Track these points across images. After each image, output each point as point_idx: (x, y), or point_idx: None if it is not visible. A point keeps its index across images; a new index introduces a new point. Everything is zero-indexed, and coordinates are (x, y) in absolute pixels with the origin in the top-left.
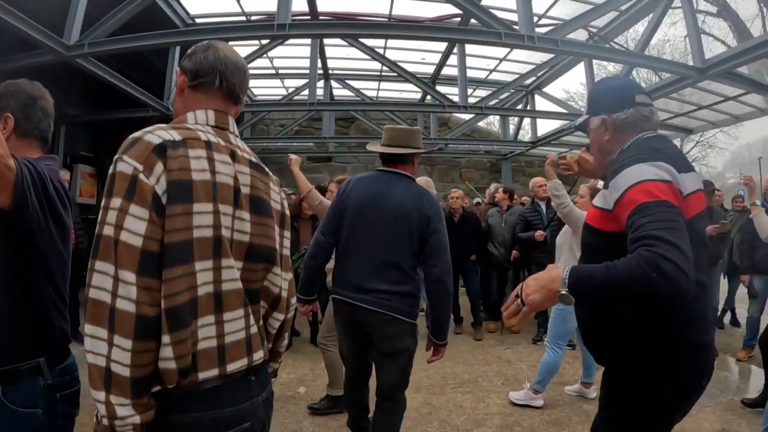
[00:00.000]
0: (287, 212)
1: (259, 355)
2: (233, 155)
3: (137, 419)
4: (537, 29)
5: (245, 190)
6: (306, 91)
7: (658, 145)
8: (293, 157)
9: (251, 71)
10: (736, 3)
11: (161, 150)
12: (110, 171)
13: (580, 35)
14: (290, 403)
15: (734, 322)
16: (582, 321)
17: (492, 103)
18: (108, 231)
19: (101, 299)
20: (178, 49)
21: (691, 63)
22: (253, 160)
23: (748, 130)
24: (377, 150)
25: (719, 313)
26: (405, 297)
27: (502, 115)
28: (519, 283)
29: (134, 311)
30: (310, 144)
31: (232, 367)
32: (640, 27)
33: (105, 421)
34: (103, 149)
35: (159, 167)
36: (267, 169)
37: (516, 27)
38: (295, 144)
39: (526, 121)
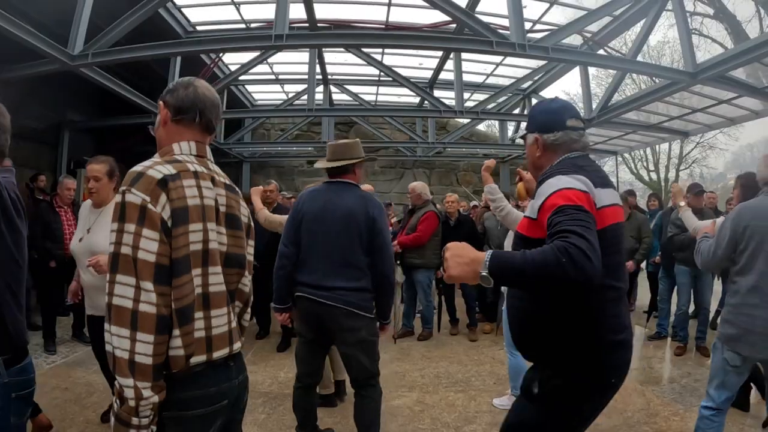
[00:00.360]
0: (252, 224)
1: (237, 345)
2: (213, 180)
3: (156, 399)
4: (532, 34)
5: (222, 209)
6: (305, 96)
7: (581, 163)
8: (253, 189)
9: (251, 77)
10: (733, 4)
11: (163, 183)
12: (119, 200)
13: (574, 39)
14: (288, 400)
15: None
16: (511, 320)
17: (489, 106)
18: (126, 250)
19: (123, 305)
20: (179, 57)
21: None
22: (227, 182)
23: (749, 130)
24: (322, 166)
25: (713, 314)
26: (361, 292)
27: (498, 119)
28: None
29: (155, 312)
30: (309, 148)
31: (217, 354)
32: (638, 28)
33: (132, 402)
34: (106, 154)
35: (163, 198)
36: (237, 189)
37: (507, 32)
38: (294, 148)
39: (524, 124)
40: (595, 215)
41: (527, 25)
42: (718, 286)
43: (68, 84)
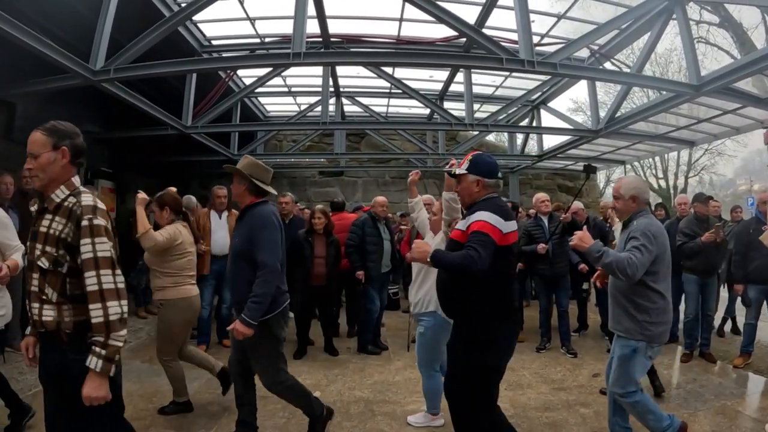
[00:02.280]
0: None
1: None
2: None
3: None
4: (540, 48)
5: (109, 225)
6: (318, 108)
7: (499, 203)
8: (139, 196)
9: (266, 90)
10: (739, 12)
11: (106, 212)
12: (89, 224)
13: (582, 51)
14: None
15: (735, 330)
16: (440, 293)
17: (499, 118)
18: (106, 254)
19: (111, 287)
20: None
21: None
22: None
23: (758, 137)
24: (272, 190)
25: (720, 321)
26: None
27: (507, 132)
28: (523, 292)
29: (124, 287)
30: (322, 159)
31: None
32: (645, 38)
33: (119, 344)
34: (122, 165)
35: (108, 222)
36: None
37: (515, 46)
38: (307, 159)
39: (533, 134)
40: (500, 238)
41: (534, 39)
42: (723, 293)
43: (85, 97)
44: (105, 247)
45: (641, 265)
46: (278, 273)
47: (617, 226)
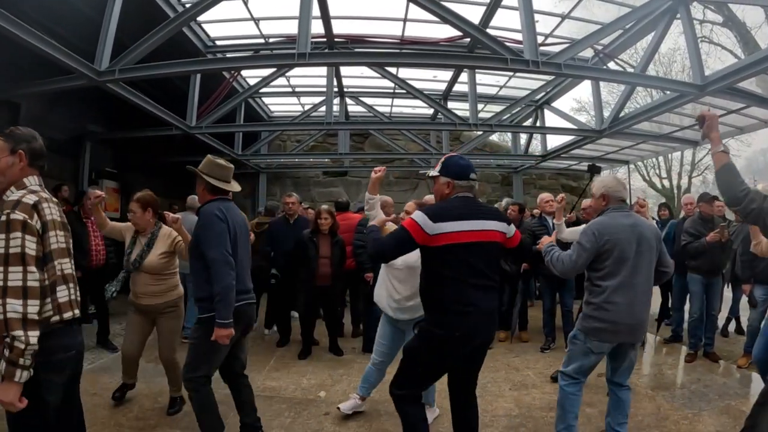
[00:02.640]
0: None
1: (77, 312)
2: (51, 200)
3: (37, 345)
4: (544, 48)
5: (59, 219)
6: (322, 108)
7: (456, 203)
8: (93, 194)
9: (270, 90)
10: (743, 11)
11: (35, 207)
12: (6, 218)
13: (586, 52)
14: (312, 405)
15: (739, 330)
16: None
17: (503, 118)
18: (17, 250)
19: (17, 285)
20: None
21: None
22: (55, 200)
23: (762, 136)
24: (234, 187)
25: (724, 321)
26: None
27: (511, 131)
28: (527, 292)
29: (38, 286)
30: (326, 159)
31: (66, 315)
32: (649, 38)
33: (21, 346)
34: (126, 165)
35: (35, 216)
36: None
37: (520, 46)
38: (311, 159)
39: (537, 134)
40: (423, 238)
41: (538, 39)
42: (727, 292)
43: (89, 97)
44: (17, 243)
45: (569, 263)
46: (231, 264)
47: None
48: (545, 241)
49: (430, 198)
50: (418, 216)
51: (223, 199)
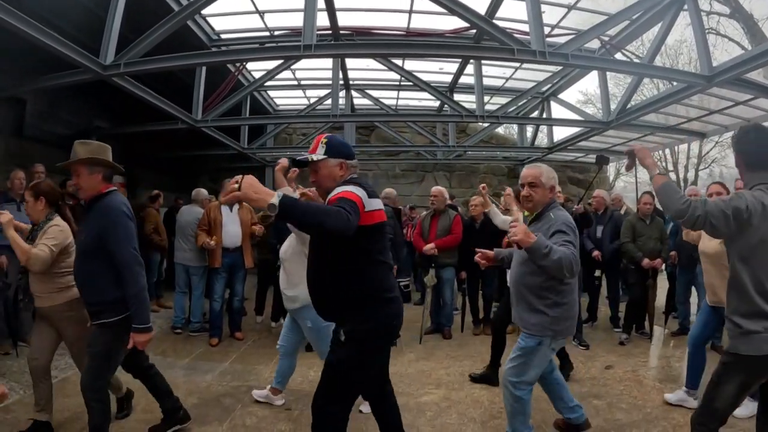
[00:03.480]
0: None
1: None
2: None
3: None
4: (550, 39)
5: None
6: (328, 101)
7: (360, 181)
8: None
9: (275, 83)
10: (750, 3)
11: None
12: None
13: (592, 43)
14: None
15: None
16: (313, 292)
17: (509, 110)
18: None
19: None
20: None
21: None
22: None
23: None
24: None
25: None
26: None
27: (517, 123)
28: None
29: None
30: None
31: None
32: (656, 29)
33: None
34: (132, 160)
35: None
36: None
37: (527, 37)
38: None
39: (543, 126)
40: (363, 214)
41: (545, 30)
42: None
43: (94, 91)
44: None
45: (575, 259)
46: (142, 264)
47: (518, 216)
48: (530, 233)
49: (443, 190)
50: (356, 189)
51: (116, 190)
